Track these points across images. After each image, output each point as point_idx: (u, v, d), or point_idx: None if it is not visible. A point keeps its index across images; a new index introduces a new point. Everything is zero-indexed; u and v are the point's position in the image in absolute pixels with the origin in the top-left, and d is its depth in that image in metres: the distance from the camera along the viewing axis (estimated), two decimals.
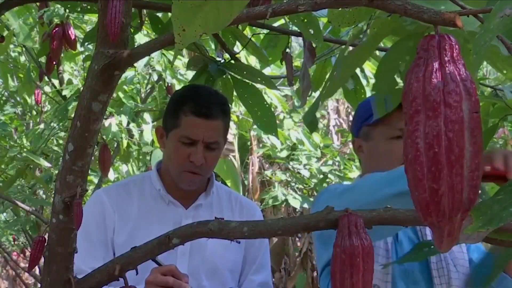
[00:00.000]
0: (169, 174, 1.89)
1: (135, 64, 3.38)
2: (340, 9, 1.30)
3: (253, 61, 4.06)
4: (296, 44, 4.84)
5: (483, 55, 0.77)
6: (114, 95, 3.87)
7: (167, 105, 1.96)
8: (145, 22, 2.48)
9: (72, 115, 1.21)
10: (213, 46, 3.07)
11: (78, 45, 3.15)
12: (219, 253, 1.89)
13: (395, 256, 1.77)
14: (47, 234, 1.26)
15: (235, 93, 2.15)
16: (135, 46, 2.23)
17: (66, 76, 4.45)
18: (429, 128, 0.73)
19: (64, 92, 4.04)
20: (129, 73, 3.95)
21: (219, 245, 1.86)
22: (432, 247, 1.62)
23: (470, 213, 0.75)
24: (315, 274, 6.20)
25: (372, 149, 1.83)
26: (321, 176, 5.61)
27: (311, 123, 1.92)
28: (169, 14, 2.21)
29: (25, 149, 4.11)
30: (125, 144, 3.94)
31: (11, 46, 4.20)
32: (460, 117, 0.73)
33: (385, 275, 1.73)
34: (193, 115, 1.81)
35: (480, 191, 0.75)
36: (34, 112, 5.42)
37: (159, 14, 2.40)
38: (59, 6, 2.98)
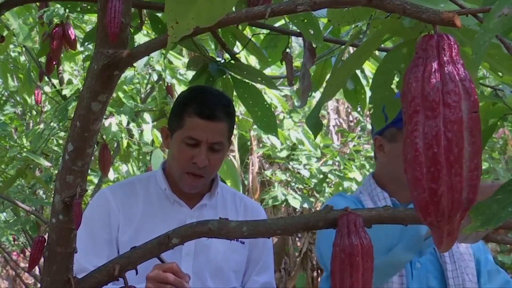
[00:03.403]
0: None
1: (134, 64, 3.38)
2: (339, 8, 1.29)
3: (253, 61, 4.05)
4: (296, 44, 4.84)
5: (483, 55, 0.77)
6: (114, 95, 3.87)
7: (173, 106, 1.96)
8: (145, 22, 2.48)
9: (72, 115, 1.21)
10: (213, 46, 3.06)
11: (78, 45, 3.15)
12: (223, 254, 1.89)
13: (409, 267, 1.79)
14: (47, 234, 1.27)
15: (235, 93, 2.15)
16: (135, 46, 2.23)
17: (66, 76, 4.45)
18: (428, 128, 0.73)
19: (64, 92, 4.04)
20: (129, 73, 3.95)
21: (224, 246, 1.87)
22: None
23: (468, 212, 0.75)
24: (315, 274, 6.20)
25: (396, 152, 1.85)
26: (321, 176, 5.61)
27: (314, 125, 1.89)
28: None
29: (25, 149, 4.11)
30: (125, 144, 3.94)
31: (11, 46, 4.20)
32: (459, 117, 0.73)
33: (400, 277, 1.75)
34: (196, 117, 1.81)
35: None
36: (34, 112, 5.42)
37: (159, 14, 2.39)
38: (59, 6, 2.98)
